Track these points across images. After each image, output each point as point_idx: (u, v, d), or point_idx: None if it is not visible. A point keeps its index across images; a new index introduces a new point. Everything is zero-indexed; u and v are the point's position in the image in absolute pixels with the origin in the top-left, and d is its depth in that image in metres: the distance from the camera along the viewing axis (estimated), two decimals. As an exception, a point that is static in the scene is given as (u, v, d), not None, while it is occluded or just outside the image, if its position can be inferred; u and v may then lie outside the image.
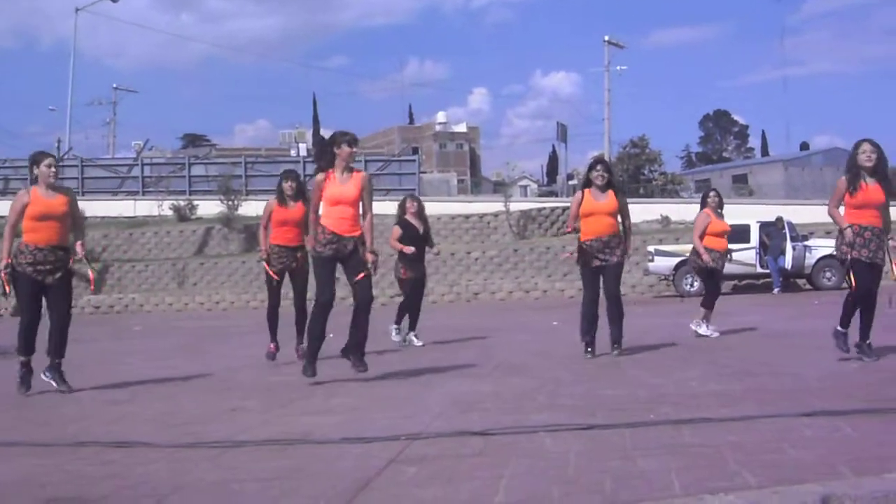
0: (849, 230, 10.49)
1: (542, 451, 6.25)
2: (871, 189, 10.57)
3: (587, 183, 12.64)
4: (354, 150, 10.76)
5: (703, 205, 15.62)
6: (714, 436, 6.44)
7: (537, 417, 7.57)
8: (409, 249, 15.30)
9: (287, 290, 13.51)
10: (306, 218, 12.22)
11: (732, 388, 8.94)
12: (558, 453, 6.10)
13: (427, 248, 15.99)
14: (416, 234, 15.60)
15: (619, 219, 12.60)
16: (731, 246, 26.87)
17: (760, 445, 6.06)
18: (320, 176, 10.74)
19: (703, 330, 15.11)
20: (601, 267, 12.46)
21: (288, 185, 13.27)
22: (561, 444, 6.42)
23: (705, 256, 15.02)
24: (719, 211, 15.57)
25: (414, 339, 15.59)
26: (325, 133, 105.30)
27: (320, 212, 10.74)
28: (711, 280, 15.59)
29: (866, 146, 10.67)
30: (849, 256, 10.62)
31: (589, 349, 12.36)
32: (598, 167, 12.63)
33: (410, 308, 15.76)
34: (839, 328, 10.67)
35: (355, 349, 10.66)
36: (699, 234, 15.31)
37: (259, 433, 7.39)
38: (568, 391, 9.28)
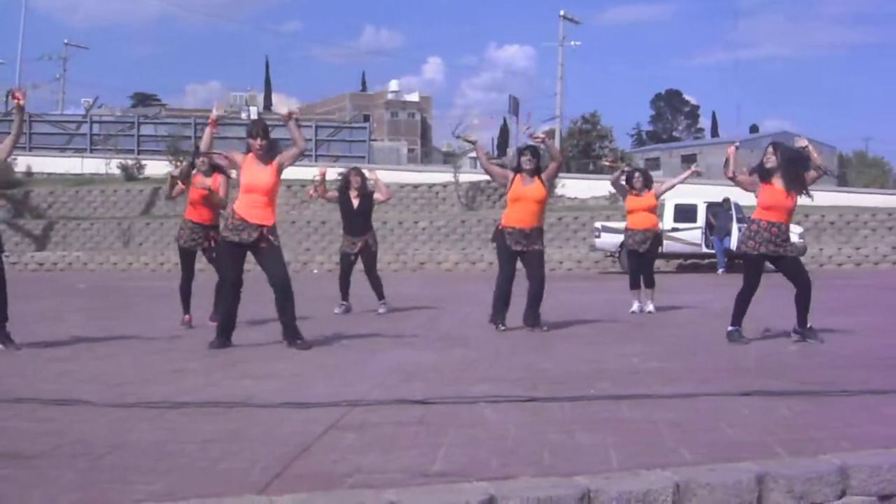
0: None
1: (481, 421, 6.28)
2: (775, 191, 10.96)
3: (518, 168, 12.66)
4: (262, 142, 10.65)
5: (629, 184, 15.77)
6: (652, 412, 6.50)
7: (478, 388, 7.60)
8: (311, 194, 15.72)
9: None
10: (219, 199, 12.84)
11: (672, 366, 9.02)
12: (498, 424, 6.14)
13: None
14: (351, 210, 15.69)
15: (543, 209, 12.70)
16: (677, 225, 26.98)
17: (698, 423, 6.13)
18: (241, 157, 10.84)
19: (634, 307, 15.45)
20: (522, 252, 12.51)
21: (201, 162, 13.14)
22: (501, 415, 6.46)
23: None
24: (639, 188, 15.71)
25: (380, 307, 15.63)
26: (276, 97, 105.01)
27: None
28: (636, 258, 15.78)
29: (768, 149, 11.19)
30: (752, 251, 11.07)
31: (501, 325, 12.45)
32: (526, 152, 12.72)
33: (370, 282, 15.91)
34: (730, 327, 11.09)
35: (286, 332, 10.72)
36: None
37: (200, 395, 7.37)
38: (510, 363, 9.33)
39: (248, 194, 10.64)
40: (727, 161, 11.34)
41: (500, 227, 12.63)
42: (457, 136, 13.84)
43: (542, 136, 14.55)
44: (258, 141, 10.60)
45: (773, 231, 10.89)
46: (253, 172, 10.62)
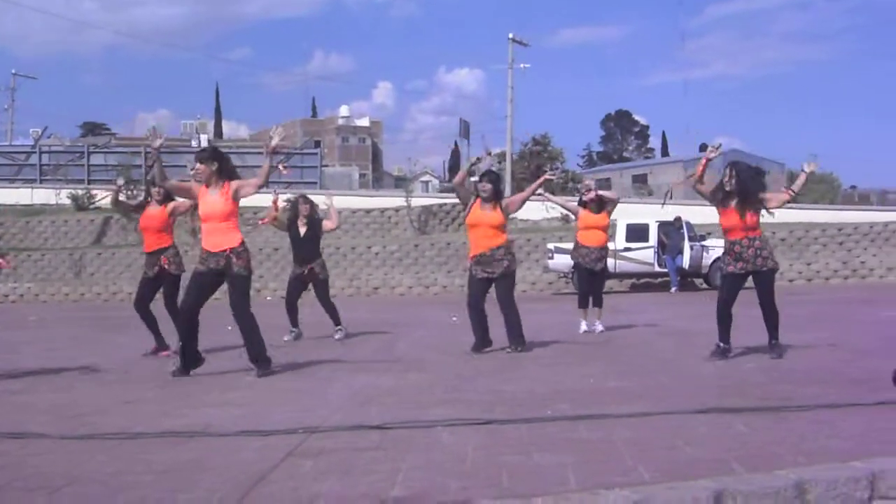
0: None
1: (439, 445, 6.28)
2: (730, 214, 11.17)
3: (476, 192, 12.74)
4: (201, 166, 10.65)
5: (581, 203, 15.82)
6: (610, 431, 6.52)
7: (436, 412, 7.60)
8: (264, 222, 15.88)
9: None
10: (170, 221, 13.19)
11: (629, 385, 9.06)
12: (456, 447, 6.14)
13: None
14: (298, 237, 15.81)
15: (502, 232, 12.75)
16: (629, 245, 27.18)
17: (655, 441, 6.15)
18: (197, 186, 10.82)
19: (583, 326, 15.53)
20: (491, 279, 12.57)
21: (156, 191, 13.22)
22: (459, 438, 6.46)
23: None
24: (594, 207, 15.70)
25: (336, 332, 15.63)
26: (226, 124, 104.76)
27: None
28: (587, 277, 15.79)
29: (727, 171, 11.31)
30: (724, 270, 11.29)
31: (475, 346, 12.56)
32: (484, 179, 12.78)
33: (325, 309, 15.91)
34: (719, 342, 11.17)
35: (251, 359, 10.71)
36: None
37: (156, 425, 7.33)
38: (467, 386, 9.33)
39: (206, 223, 10.65)
40: (702, 168, 11.32)
41: (469, 263, 12.79)
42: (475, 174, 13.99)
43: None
44: (201, 166, 10.61)
45: (735, 250, 11.06)
46: (206, 201, 10.62)
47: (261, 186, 10.76)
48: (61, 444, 6.66)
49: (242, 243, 10.64)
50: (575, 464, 5.51)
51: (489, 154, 12.61)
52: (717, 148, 11.68)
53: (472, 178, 13.79)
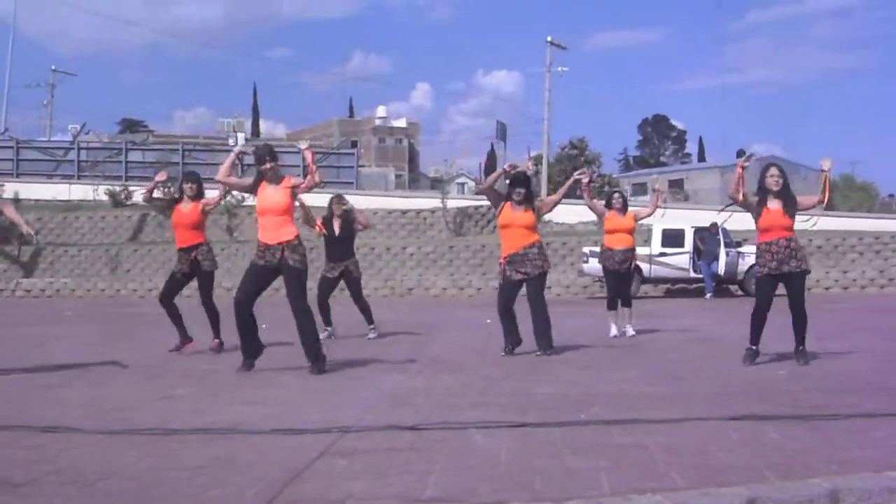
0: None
1: (472, 447, 6.28)
2: (773, 213, 11.15)
3: (509, 195, 12.73)
4: (269, 165, 10.81)
5: (609, 205, 15.87)
6: (643, 437, 6.50)
7: (469, 414, 7.60)
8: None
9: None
10: (202, 218, 13.27)
11: (662, 391, 9.03)
12: (489, 450, 6.13)
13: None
14: (332, 236, 15.84)
15: (533, 232, 12.78)
16: (665, 250, 27.12)
17: (688, 447, 6.12)
18: (248, 181, 11.05)
19: (613, 331, 15.54)
20: (524, 280, 12.58)
21: (188, 187, 13.30)
22: (491, 440, 6.45)
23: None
24: (619, 210, 15.90)
25: (369, 332, 15.73)
26: (264, 123, 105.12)
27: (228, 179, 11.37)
28: (615, 279, 15.81)
29: (773, 170, 11.35)
30: (757, 273, 11.18)
31: (508, 349, 12.59)
32: (518, 187, 12.74)
33: (358, 308, 15.99)
34: (749, 345, 11.15)
35: (307, 353, 10.75)
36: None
37: (191, 422, 7.36)
38: (500, 388, 9.31)
39: (263, 217, 10.84)
40: (738, 179, 11.27)
41: (501, 263, 12.80)
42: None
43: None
44: (267, 164, 10.76)
45: (772, 250, 11.03)
46: (265, 195, 10.80)
47: (314, 186, 10.98)
48: (95, 438, 6.70)
49: (298, 237, 10.77)
50: (608, 468, 5.49)
51: (529, 159, 12.59)
52: (751, 157, 11.64)
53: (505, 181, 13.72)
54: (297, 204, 11.31)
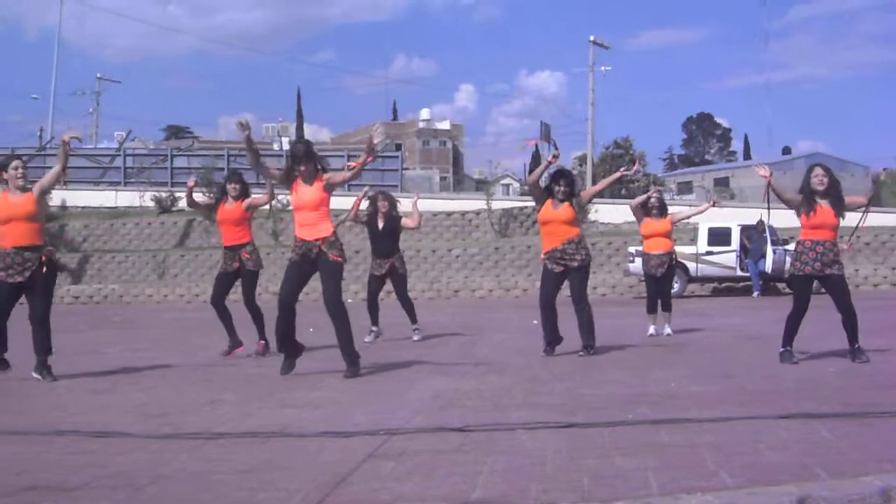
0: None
1: (520, 448, 6.27)
2: (824, 211, 11.04)
3: (550, 190, 12.72)
4: (303, 167, 10.77)
5: (646, 211, 16.05)
6: (691, 436, 6.48)
7: (516, 415, 7.60)
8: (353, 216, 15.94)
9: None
10: (246, 215, 13.35)
11: (710, 390, 8.99)
12: (536, 451, 6.13)
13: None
14: (377, 231, 15.81)
15: (574, 227, 12.76)
16: (711, 248, 27.05)
17: (737, 446, 6.09)
18: (287, 177, 10.98)
19: (651, 330, 15.65)
20: (564, 272, 12.56)
21: (231, 187, 13.36)
22: (539, 441, 6.44)
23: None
24: (656, 213, 16.00)
25: (414, 333, 15.72)
26: (308, 128, 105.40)
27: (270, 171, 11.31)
28: (654, 282, 15.87)
29: (818, 170, 11.29)
30: (798, 272, 11.16)
31: (547, 347, 12.55)
32: (560, 180, 12.75)
33: (402, 304, 15.95)
34: (782, 348, 11.11)
35: (343, 354, 10.77)
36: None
37: (238, 425, 7.40)
38: (547, 389, 9.31)
39: (298, 212, 10.85)
40: (775, 188, 11.22)
41: (543, 259, 12.74)
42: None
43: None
44: (301, 167, 10.75)
45: (818, 250, 10.94)
46: (300, 192, 10.80)
47: (349, 180, 11.14)
48: (145, 443, 6.74)
49: (334, 233, 10.79)
50: (657, 468, 5.48)
51: (552, 145, 12.51)
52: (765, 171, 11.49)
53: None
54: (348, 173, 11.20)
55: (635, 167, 13.18)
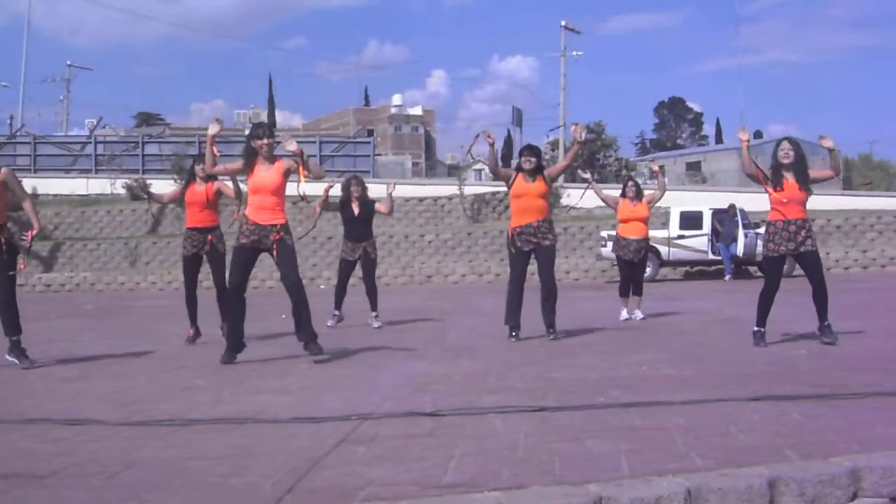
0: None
1: (491, 432, 6.29)
2: (790, 185, 11.09)
3: (519, 166, 12.76)
4: (267, 141, 10.81)
5: (623, 194, 16.07)
6: (663, 419, 6.50)
7: (488, 399, 7.61)
8: (319, 206, 15.88)
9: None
10: (215, 198, 13.24)
11: (682, 373, 9.02)
12: (508, 434, 6.14)
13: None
14: (352, 217, 15.79)
15: (547, 203, 12.83)
16: (683, 232, 27.16)
17: (709, 429, 6.12)
18: (240, 163, 11.04)
19: (624, 314, 15.70)
20: (533, 250, 12.57)
21: (199, 168, 13.28)
22: (511, 425, 6.46)
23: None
24: (633, 199, 16.11)
25: (373, 320, 15.61)
26: (280, 114, 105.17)
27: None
28: (628, 267, 15.96)
29: (785, 143, 11.34)
30: (773, 253, 11.19)
31: (514, 333, 12.53)
32: (526, 152, 12.85)
33: (367, 289, 15.86)
34: (755, 327, 11.12)
35: (301, 334, 10.77)
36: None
37: (210, 412, 7.39)
38: (518, 373, 9.31)
39: (255, 195, 10.78)
40: (746, 153, 11.27)
41: (510, 233, 12.71)
42: (471, 156, 13.91)
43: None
44: (264, 140, 10.76)
45: (790, 230, 10.99)
46: (259, 174, 10.76)
47: (311, 178, 10.87)
48: (117, 430, 6.73)
49: (287, 223, 10.83)
50: (628, 451, 5.50)
51: (488, 136, 12.41)
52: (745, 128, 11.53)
53: (477, 157, 13.69)
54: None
55: (582, 134, 12.97)
